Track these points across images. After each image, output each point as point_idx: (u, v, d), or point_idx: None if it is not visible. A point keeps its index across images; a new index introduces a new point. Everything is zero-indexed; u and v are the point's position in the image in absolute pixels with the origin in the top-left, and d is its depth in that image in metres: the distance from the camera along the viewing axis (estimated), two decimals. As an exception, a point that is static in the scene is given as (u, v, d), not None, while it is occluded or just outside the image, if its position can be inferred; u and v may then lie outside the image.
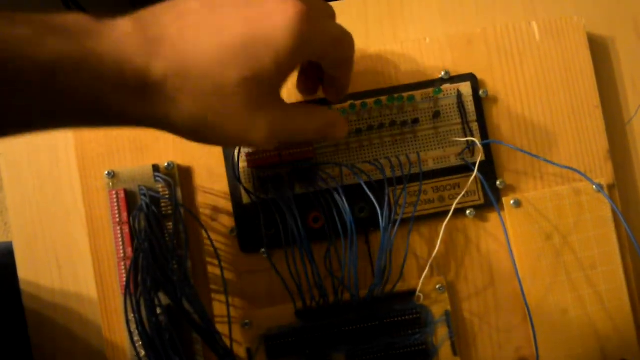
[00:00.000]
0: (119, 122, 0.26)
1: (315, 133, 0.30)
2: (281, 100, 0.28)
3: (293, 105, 0.29)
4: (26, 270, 0.36)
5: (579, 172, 0.34)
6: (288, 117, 0.28)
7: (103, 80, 0.23)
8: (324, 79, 0.32)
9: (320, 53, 0.28)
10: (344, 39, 0.29)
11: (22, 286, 0.36)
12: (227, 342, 0.33)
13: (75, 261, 0.36)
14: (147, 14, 0.25)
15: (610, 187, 0.36)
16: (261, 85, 0.25)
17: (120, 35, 0.24)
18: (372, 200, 0.34)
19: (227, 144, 0.29)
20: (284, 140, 0.29)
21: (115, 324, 0.34)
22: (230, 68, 0.24)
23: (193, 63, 0.24)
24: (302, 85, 0.34)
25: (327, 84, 0.32)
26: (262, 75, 0.25)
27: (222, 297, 0.34)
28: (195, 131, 0.26)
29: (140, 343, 0.30)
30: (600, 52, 0.39)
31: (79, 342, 0.36)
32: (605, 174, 0.36)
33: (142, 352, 0.31)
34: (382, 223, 0.32)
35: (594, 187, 0.35)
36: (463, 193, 0.35)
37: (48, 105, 0.23)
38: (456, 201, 0.34)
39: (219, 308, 0.35)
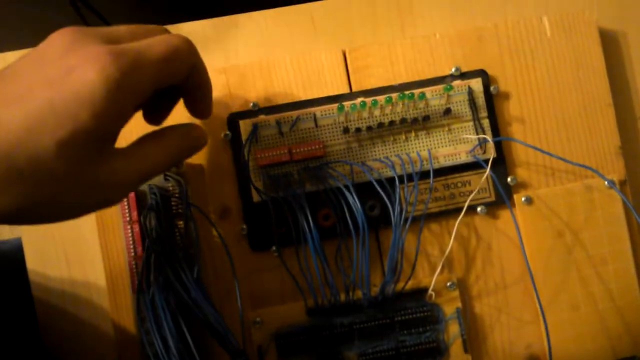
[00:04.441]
0: None
1: (176, 157, 0.28)
2: (116, 149, 0.25)
3: (133, 144, 0.27)
4: (35, 263, 0.36)
5: (591, 169, 0.34)
6: (133, 160, 0.26)
7: None
8: (183, 98, 0.30)
9: (154, 79, 0.25)
10: (177, 52, 0.26)
11: (31, 276, 0.36)
12: (239, 341, 0.33)
13: (84, 257, 0.36)
14: None
15: (622, 183, 0.36)
16: (86, 143, 0.23)
17: None
18: (382, 198, 0.33)
19: (72, 216, 0.25)
20: (143, 182, 0.27)
21: (125, 320, 0.34)
22: (41, 135, 0.22)
23: (0, 145, 0.21)
24: (148, 120, 0.31)
25: (187, 101, 0.30)
26: (81, 132, 0.22)
27: (233, 296, 0.34)
28: (25, 217, 0.23)
29: (154, 342, 0.30)
30: (611, 46, 0.38)
31: (88, 331, 0.36)
32: (616, 170, 0.36)
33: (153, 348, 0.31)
34: (393, 220, 0.32)
35: (606, 183, 0.35)
36: (475, 190, 0.35)
37: None
38: (469, 199, 0.34)
39: (229, 307, 0.35)
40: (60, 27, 0.25)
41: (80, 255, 0.36)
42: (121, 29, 0.26)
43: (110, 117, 0.23)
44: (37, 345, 0.36)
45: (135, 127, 0.28)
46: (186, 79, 0.28)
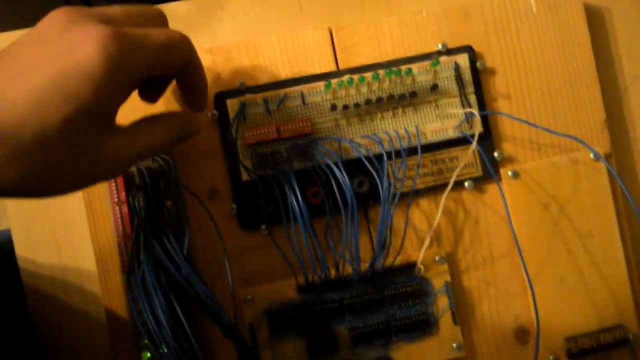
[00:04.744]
0: None
1: (169, 141, 0.29)
2: (118, 126, 0.27)
3: (134, 124, 0.28)
4: (24, 249, 0.36)
5: (578, 140, 0.35)
6: (131, 139, 0.27)
7: None
8: (180, 91, 0.32)
9: (149, 66, 0.26)
10: (173, 43, 0.27)
11: (20, 263, 0.36)
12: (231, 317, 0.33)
13: (74, 243, 0.36)
14: None
15: (608, 156, 0.36)
16: (88, 119, 0.24)
17: None
18: (371, 174, 0.34)
19: (75, 188, 0.26)
20: (141, 160, 0.28)
21: (116, 302, 0.34)
22: (47, 110, 0.23)
23: (5, 116, 0.22)
24: (142, 97, 0.32)
25: (184, 93, 0.31)
26: (84, 108, 0.23)
27: (224, 276, 0.34)
28: (32, 188, 0.24)
29: (145, 321, 0.30)
30: (596, 22, 0.39)
31: (79, 317, 0.36)
32: (602, 143, 0.36)
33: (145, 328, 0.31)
34: (382, 196, 0.32)
35: (592, 155, 0.35)
36: (462, 165, 0.35)
37: None
38: (455, 173, 0.34)
39: (220, 286, 0.35)
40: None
41: (70, 241, 0.36)
42: (117, 10, 0.27)
43: (109, 93, 0.24)
44: (28, 332, 0.36)
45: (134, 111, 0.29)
46: (182, 73, 0.29)
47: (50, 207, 0.36)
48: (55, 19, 0.25)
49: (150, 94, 0.32)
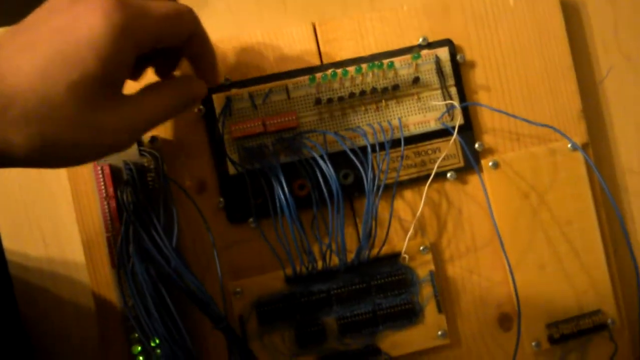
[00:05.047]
0: None
1: (176, 106, 0.29)
2: (124, 95, 0.27)
3: (139, 92, 0.28)
4: (11, 242, 0.36)
5: (555, 129, 0.36)
6: (137, 106, 0.27)
7: None
8: (190, 64, 0.32)
9: (154, 37, 0.27)
10: (178, 14, 0.28)
11: (8, 256, 0.36)
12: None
13: (60, 235, 0.36)
14: None
15: (585, 146, 0.37)
16: (94, 87, 0.24)
17: None
18: (356, 166, 0.34)
19: (85, 158, 0.27)
20: (148, 129, 0.28)
21: (106, 294, 0.35)
22: (54, 79, 0.24)
23: (14, 84, 0.23)
24: (156, 73, 0.33)
25: (194, 67, 0.32)
26: (89, 76, 0.24)
27: (213, 269, 0.35)
28: (43, 158, 0.25)
29: (136, 314, 0.31)
30: (572, 16, 0.40)
31: (68, 308, 0.36)
32: (579, 134, 0.37)
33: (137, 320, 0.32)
34: (367, 187, 0.33)
35: (570, 145, 0.36)
36: (443, 156, 0.36)
37: None
38: (437, 164, 0.35)
39: (209, 280, 0.35)
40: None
41: (57, 232, 0.36)
42: None
43: (114, 62, 0.25)
44: (16, 325, 0.36)
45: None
46: (188, 45, 0.29)
47: (36, 199, 0.36)
48: None
49: (165, 70, 0.33)
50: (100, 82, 0.25)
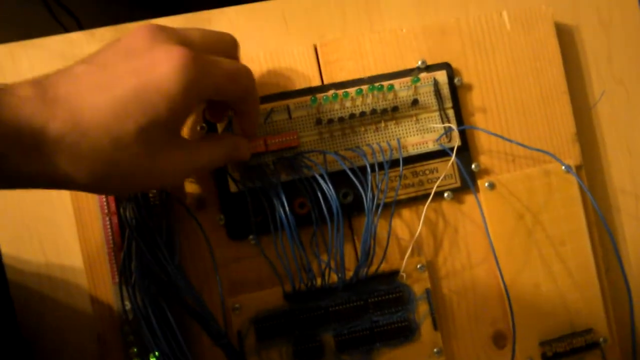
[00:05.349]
0: (14, 183, 0.26)
1: (223, 160, 0.32)
2: (183, 140, 0.30)
3: (196, 141, 0.31)
4: (8, 247, 0.37)
5: (549, 154, 0.37)
6: (193, 154, 0.30)
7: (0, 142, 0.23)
8: (235, 114, 0.34)
9: (215, 91, 0.29)
10: (239, 74, 0.30)
11: (6, 260, 0.36)
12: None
13: (58, 241, 0.37)
14: (45, 78, 0.26)
15: (578, 168, 0.38)
16: (159, 131, 0.26)
17: (19, 99, 0.24)
18: (355, 186, 0.35)
19: (139, 191, 0.30)
20: (197, 175, 0.32)
21: (104, 298, 0.35)
22: (125, 120, 0.25)
23: (89, 120, 0.25)
24: (208, 116, 0.36)
25: (237, 118, 0.34)
26: (157, 121, 0.26)
27: (212, 285, 0.35)
28: (100, 186, 0.27)
29: (137, 330, 0.31)
30: (566, 40, 0.41)
31: (66, 314, 0.36)
32: (573, 156, 0.38)
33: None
34: (366, 206, 0.34)
35: (563, 167, 0.37)
36: (442, 177, 0.37)
37: None
38: (436, 185, 0.36)
39: (208, 296, 0.36)
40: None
41: (54, 238, 0.37)
42: (196, 33, 0.30)
43: (181, 110, 0.27)
44: (13, 329, 0.36)
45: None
46: (239, 101, 0.31)
47: (35, 207, 0.37)
48: (141, 35, 0.27)
49: (214, 114, 0.35)
50: (166, 128, 0.27)
